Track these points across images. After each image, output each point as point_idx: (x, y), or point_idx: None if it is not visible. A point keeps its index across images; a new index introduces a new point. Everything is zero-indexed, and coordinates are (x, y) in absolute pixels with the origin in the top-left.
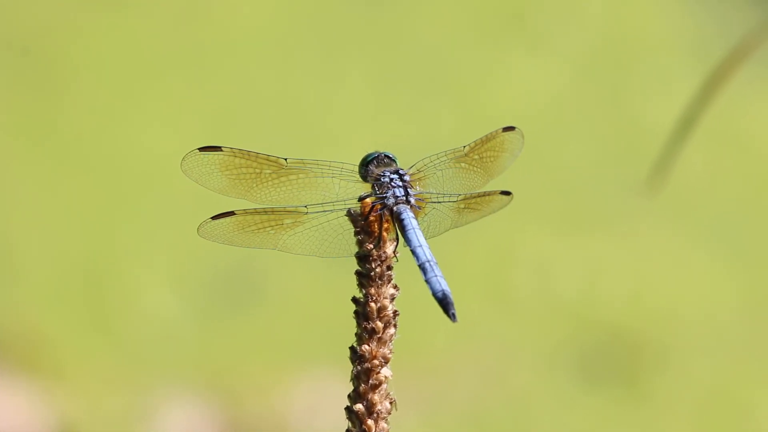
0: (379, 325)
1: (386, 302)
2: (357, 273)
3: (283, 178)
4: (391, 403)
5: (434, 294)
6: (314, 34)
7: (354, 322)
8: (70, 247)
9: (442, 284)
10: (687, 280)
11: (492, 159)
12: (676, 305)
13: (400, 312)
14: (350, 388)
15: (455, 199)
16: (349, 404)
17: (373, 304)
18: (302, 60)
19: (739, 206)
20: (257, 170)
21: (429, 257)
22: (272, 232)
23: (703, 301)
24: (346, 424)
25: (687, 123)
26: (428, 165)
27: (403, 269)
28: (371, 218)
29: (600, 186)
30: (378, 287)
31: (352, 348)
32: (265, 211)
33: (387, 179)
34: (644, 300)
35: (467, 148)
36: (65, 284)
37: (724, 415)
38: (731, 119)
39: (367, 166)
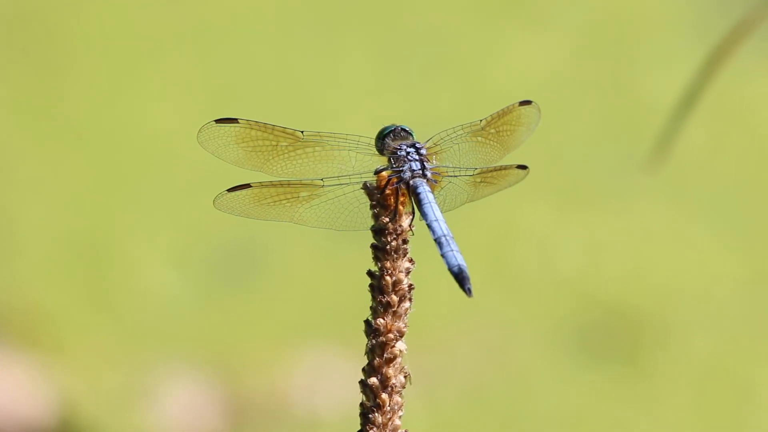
0: (395, 298)
1: (401, 276)
2: (372, 246)
3: (299, 151)
4: (405, 377)
5: (450, 269)
6: (315, 9)
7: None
8: (70, 222)
9: (459, 259)
10: (687, 256)
11: (508, 133)
12: (676, 282)
13: (415, 286)
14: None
15: (472, 172)
16: (363, 378)
17: (388, 278)
18: (303, 36)
19: (739, 182)
20: (273, 143)
21: (445, 231)
22: (288, 204)
23: (704, 277)
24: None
25: (689, 99)
26: (445, 139)
27: (413, 243)
28: (387, 191)
29: (601, 163)
30: (393, 261)
31: (366, 321)
32: (281, 184)
33: (403, 153)
34: (645, 276)
35: (484, 122)
36: (66, 260)
37: (724, 391)
38: (732, 95)
39: (384, 139)
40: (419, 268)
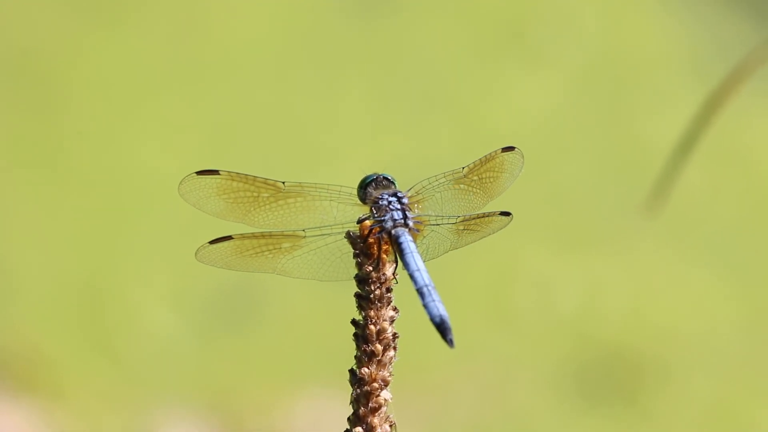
0: (379, 347)
1: (386, 324)
2: (356, 295)
3: (280, 202)
4: (390, 425)
5: (432, 319)
6: (312, 51)
7: (354, 343)
8: (69, 265)
9: (440, 309)
10: (686, 297)
11: (491, 180)
12: (675, 322)
13: (399, 335)
14: (350, 409)
15: (454, 221)
16: (348, 427)
17: (372, 327)
18: (300, 78)
19: (737, 223)
20: (255, 194)
21: (427, 281)
22: (270, 256)
23: (703, 318)
24: None
25: (688, 141)
26: (427, 187)
27: (403, 288)
28: (370, 240)
29: (599, 203)
30: (377, 309)
31: (351, 371)
32: (263, 235)
33: (385, 202)
34: (644, 317)
35: (466, 169)
36: (64, 303)
37: (724, 431)
38: (731, 136)
39: (366, 188)
40: (417, 309)
